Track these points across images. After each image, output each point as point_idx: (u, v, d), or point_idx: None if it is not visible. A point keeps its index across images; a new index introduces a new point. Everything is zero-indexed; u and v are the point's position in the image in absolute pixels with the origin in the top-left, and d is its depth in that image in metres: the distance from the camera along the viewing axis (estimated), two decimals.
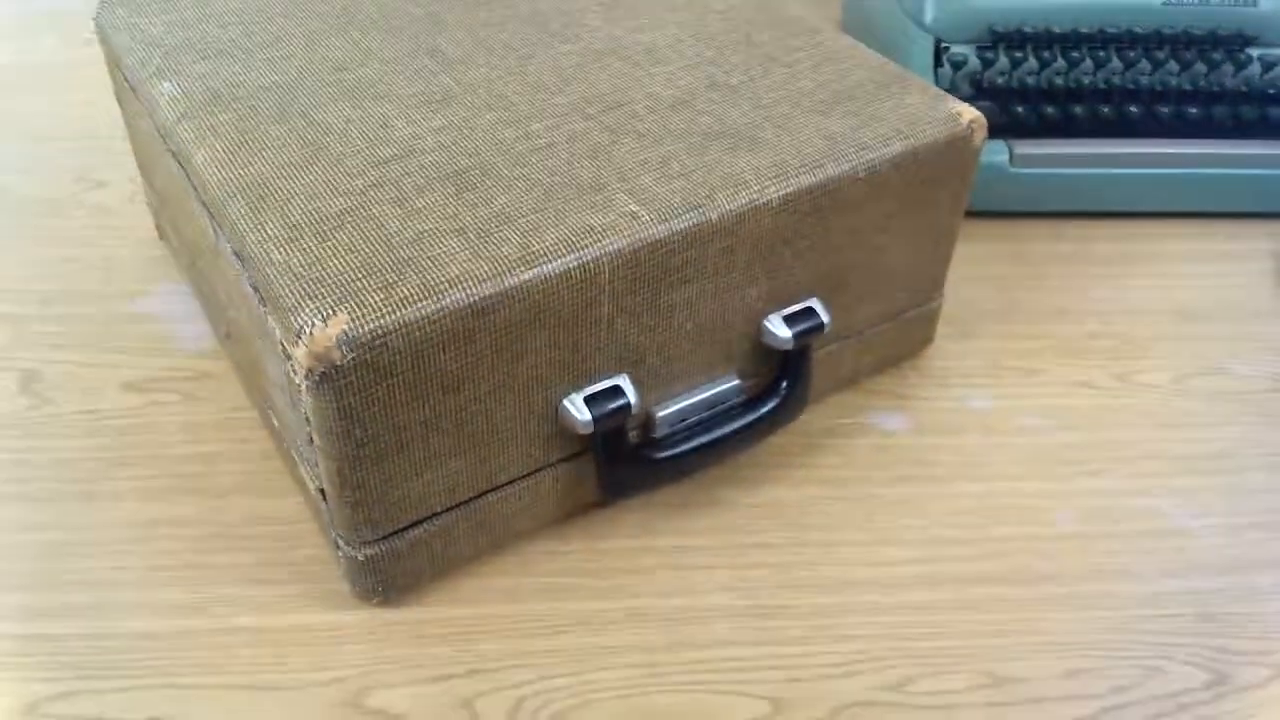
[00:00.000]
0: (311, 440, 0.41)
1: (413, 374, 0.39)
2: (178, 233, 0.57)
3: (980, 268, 0.67)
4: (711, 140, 0.47)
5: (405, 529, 0.44)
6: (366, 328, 0.38)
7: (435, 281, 0.39)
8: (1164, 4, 0.72)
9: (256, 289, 0.41)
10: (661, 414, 0.49)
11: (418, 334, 0.38)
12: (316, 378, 0.37)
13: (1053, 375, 0.60)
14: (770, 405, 0.51)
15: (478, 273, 0.40)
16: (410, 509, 0.43)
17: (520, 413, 0.44)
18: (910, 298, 0.56)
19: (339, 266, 0.40)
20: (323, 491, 0.43)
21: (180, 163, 0.47)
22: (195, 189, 0.46)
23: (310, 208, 0.42)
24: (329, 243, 0.41)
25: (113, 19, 0.55)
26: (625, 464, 0.48)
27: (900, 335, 0.58)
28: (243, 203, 0.43)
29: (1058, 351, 0.62)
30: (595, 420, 0.45)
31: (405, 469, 0.42)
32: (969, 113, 0.51)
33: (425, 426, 0.41)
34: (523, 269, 0.40)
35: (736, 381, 0.51)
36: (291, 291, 0.39)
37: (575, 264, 0.41)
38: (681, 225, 0.43)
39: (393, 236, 0.41)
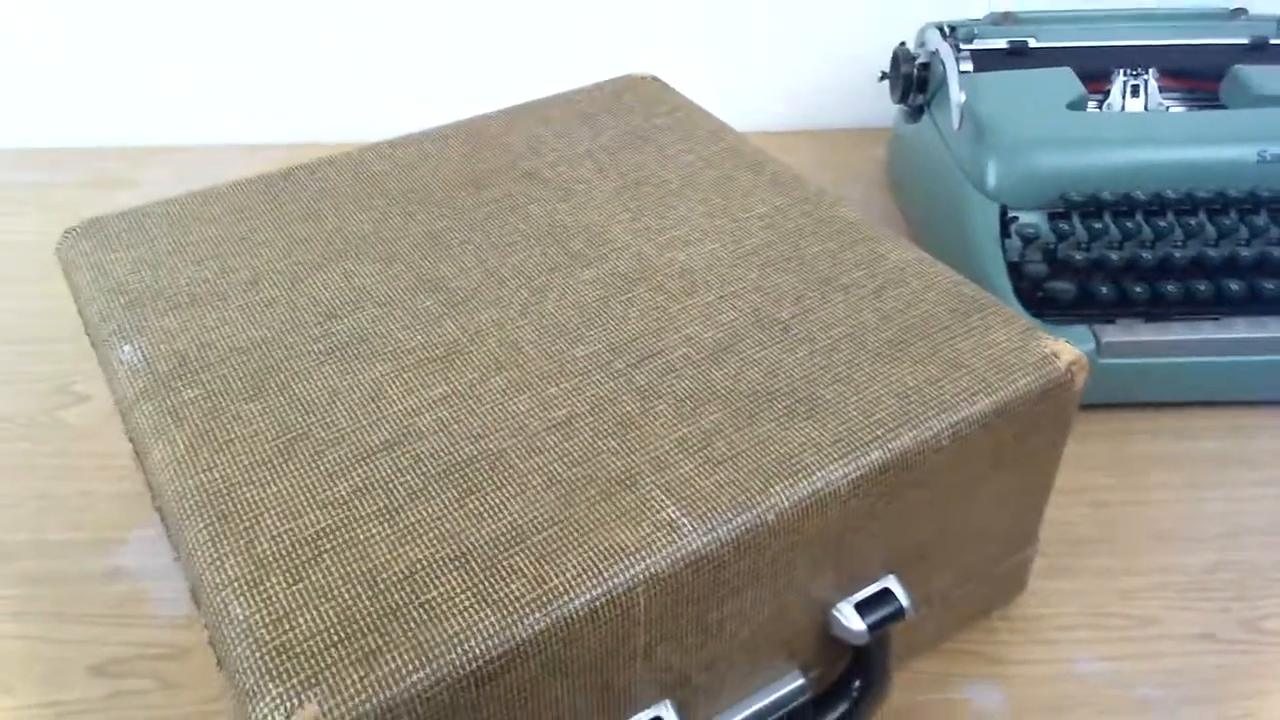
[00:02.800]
0: None
1: None
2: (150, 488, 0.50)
3: (1072, 477, 0.59)
4: (762, 404, 0.40)
5: None
6: (342, 712, 0.30)
7: (429, 641, 0.31)
8: (1260, 161, 0.64)
9: (214, 646, 0.33)
10: None
11: (405, 710, 0.31)
12: None
13: (1168, 626, 0.51)
14: (842, 709, 0.42)
15: (483, 627, 0.32)
16: None
17: None
18: (1001, 552, 0.47)
19: (310, 626, 0.32)
20: None
21: (139, 455, 0.40)
22: (152, 491, 0.38)
23: (281, 530, 0.35)
24: (301, 585, 0.33)
25: (74, 254, 0.48)
26: None
27: (989, 590, 0.49)
28: (201, 526, 0.35)
29: (1171, 590, 0.53)
30: None
31: None
32: (1067, 352, 0.42)
33: None
34: (538, 612, 0.32)
35: (801, 681, 0.42)
36: (252, 668, 0.31)
37: (603, 598, 0.33)
38: (731, 533, 0.35)
39: (379, 571, 0.33)
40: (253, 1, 0.85)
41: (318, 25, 0.87)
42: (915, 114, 0.77)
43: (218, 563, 0.34)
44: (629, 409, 0.39)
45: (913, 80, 0.75)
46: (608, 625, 0.34)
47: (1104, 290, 0.61)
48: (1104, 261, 0.62)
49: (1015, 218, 0.65)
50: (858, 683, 0.42)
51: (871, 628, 0.41)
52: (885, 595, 0.42)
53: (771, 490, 0.37)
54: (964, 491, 0.42)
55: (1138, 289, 0.61)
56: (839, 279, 0.46)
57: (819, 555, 0.39)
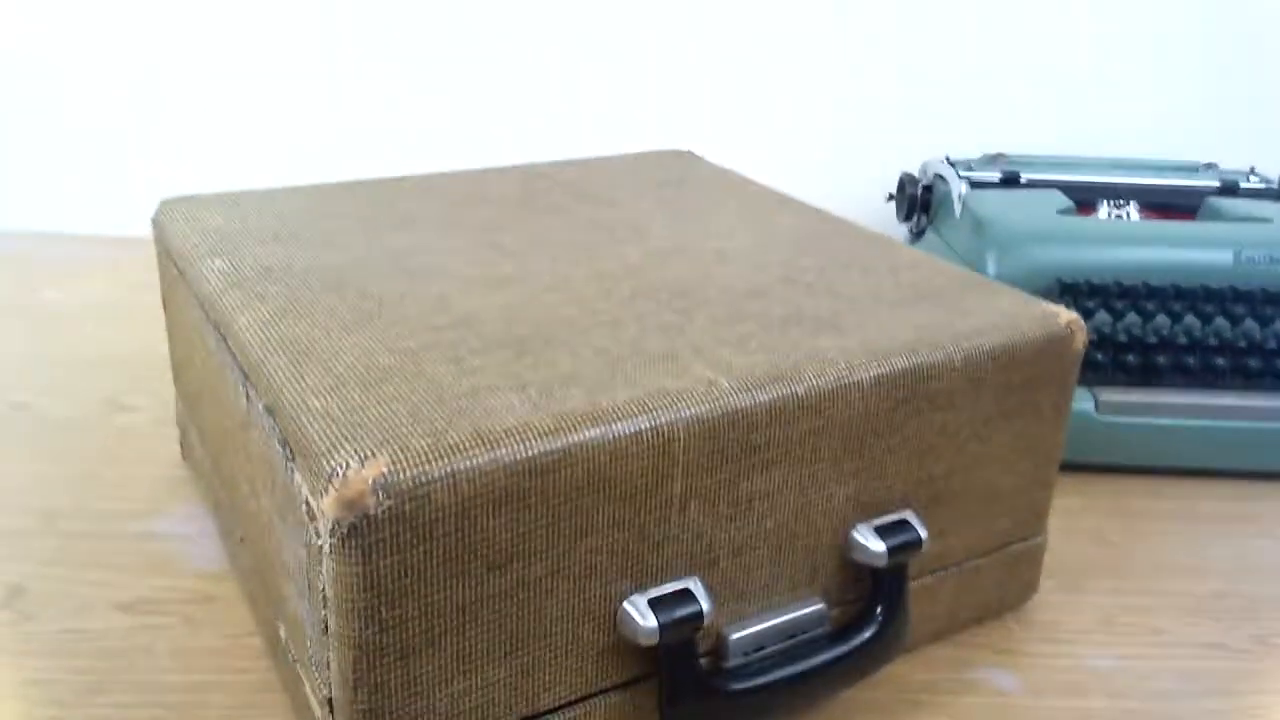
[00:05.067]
0: (326, 629, 0.34)
1: (456, 539, 0.33)
2: (204, 433, 0.52)
3: (1078, 520, 0.61)
4: (791, 324, 0.44)
5: None
6: (409, 473, 0.32)
7: (490, 431, 0.34)
8: (1236, 262, 0.70)
9: (286, 443, 0.36)
10: (735, 637, 0.41)
11: (467, 488, 0.33)
12: (344, 531, 0.31)
13: (1180, 635, 0.52)
14: (864, 636, 0.43)
15: (539, 426, 0.34)
16: None
17: (574, 610, 0.37)
18: (1012, 527, 0.49)
19: (383, 413, 0.35)
20: (331, 703, 0.36)
21: (220, 332, 0.43)
22: (233, 355, 0.42)
23: (357, 363, 0.38)
24: (374, 392, 0.36)
25: (171, 214, 0.54)
26: (694, 694, 0.39)
27: (1002, 575, 0.50)
28: (284, 358, 0.38)
29: (1180, 610, 0.54)
30: (662, 629, 0.37)
31: (434, 671, 0.34)
32: (1066, 314, 0.47)
33: (464, 614, 0.34)
34: (589, 426, 0.35)
35: (821, 606, 0.43)
36: (326, 436, 0.33)
37: (648, 426, 0.36)
38: (765, 397, 0.38)
39: (445, 390, 0.36)
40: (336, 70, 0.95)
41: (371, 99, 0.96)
42: (918, 235, 0.85)
43: (298, 378, 0.37)
44: (670, 319, 0.43)
45: (917, 201, 0.83)
46: (650, 455, 0.36)
47: (1099, 357, 0.66)
48: (1100, 331, 0.67)
49: None
50: (879, 610, 0.43)
51: (891, 551, 0.43)
52: (903, 525, 0.44)
53: (803, 370, 0.40)
54: (975, 433, 0.45)
55: (1130, 358, 0.66)
56: (858, 263, 0.51)
57: (842, 451, 0.41)
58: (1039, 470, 0.49)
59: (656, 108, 1.00)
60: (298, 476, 0.34)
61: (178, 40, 0.95)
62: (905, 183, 0.84)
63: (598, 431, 0.35)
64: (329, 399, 0.35)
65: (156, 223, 0.54)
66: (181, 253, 0.49)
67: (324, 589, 0.33)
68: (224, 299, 0.44)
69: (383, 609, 0.32)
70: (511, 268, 0.48)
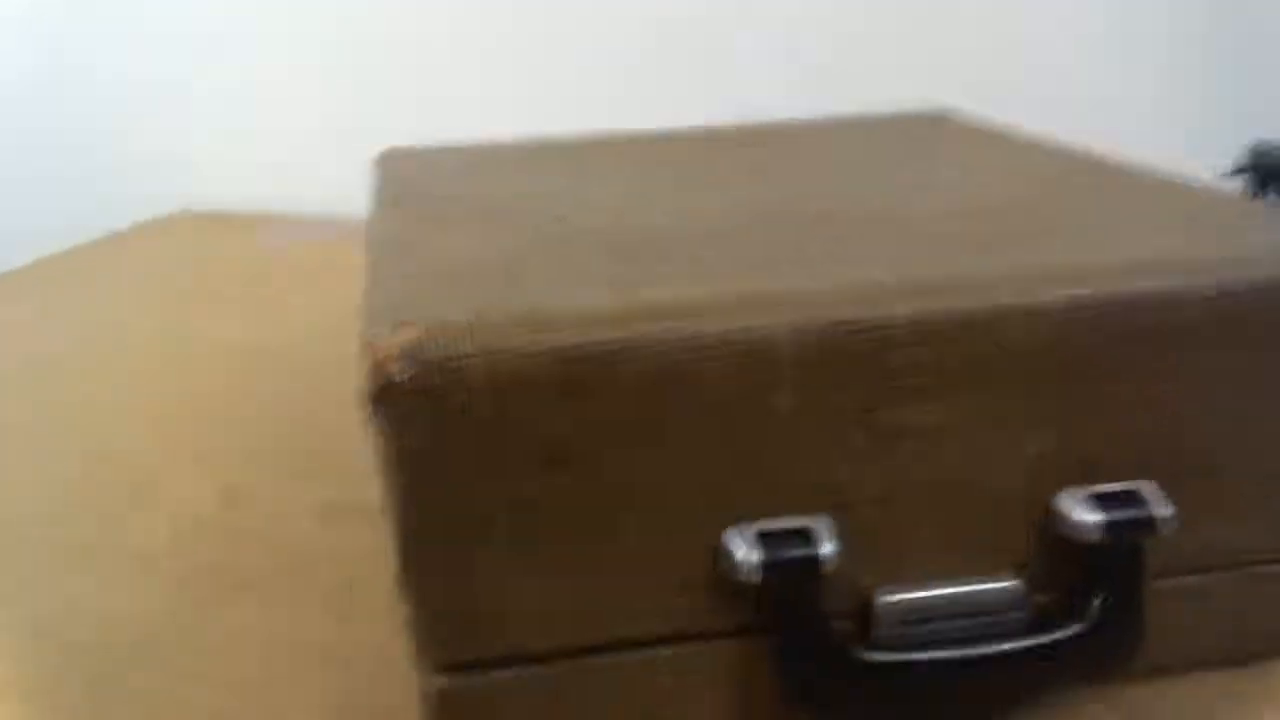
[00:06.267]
0: (384, 509, 0.33)
1: (501, 425, 0.30)
2: None
3: None
4: (985, 243, 0.36)
5: (492, 665, 0.33)
6: (441, 345, 0.30)
7: (545, 314, 0.31)
8: None
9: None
10: (886, 600, 0.34)
11: (507, 369, 0.30)
12: (372, 398, 0.30)
13: None
14: (1072, 630, 0.34)
15: (600, 313, 0.31)
16: (498, 634, 0.32)
17: (659, 530, 0.32)
18: None
19: (446, 294, 0.33)
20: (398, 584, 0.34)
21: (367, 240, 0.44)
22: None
23: (456, 257, 0.37)
24: (454, 280, 0.34)
25: (387, 160, 0.56)
26: (821, 659, 0.33)
27: None
28: (393, 251, 0.38)
29: None
30: (766, 566, 0.32)
31: (489, 566, 0.32)
32: None
33: (518, 510, 0.31)
34: (661, 318, 0.31)
35: (1016, 583, 0.34)
36: (381, 308, 0.32)
37: (739, 325, 0.31)
38: (906, 308, 0.31)
39: (526, 282, 0.34)
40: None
41: None
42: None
43: (395, 263, 0.36)
44: (843, 231, 0.37)
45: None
46: (743, 359, 0.31)
47: None
48: None
49: None
50: (1098, 600, 0.33)
51: (1110, 525, 0.33)
52: (1133, 497, 0.34)
53: (966, 282, 0.32)
54: (1243, 388, 0.34)
55: None
56: (1123, 202, 0.41)
57: (1033, 393, 0.32)
58: None
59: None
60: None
61: None
62: (1259, 153, 0.68)
63: (670, 325, 0.31)
64: (407, 282, 0.34)
65: (376, 164, 0.57)
66: (378, 189, 0.51)
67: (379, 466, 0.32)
68: (379, 212, 0.45)
69: (419, 487, 0.31)
70: (686, 201, 0.44)
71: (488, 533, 0.31)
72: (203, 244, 1.04)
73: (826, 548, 0.32)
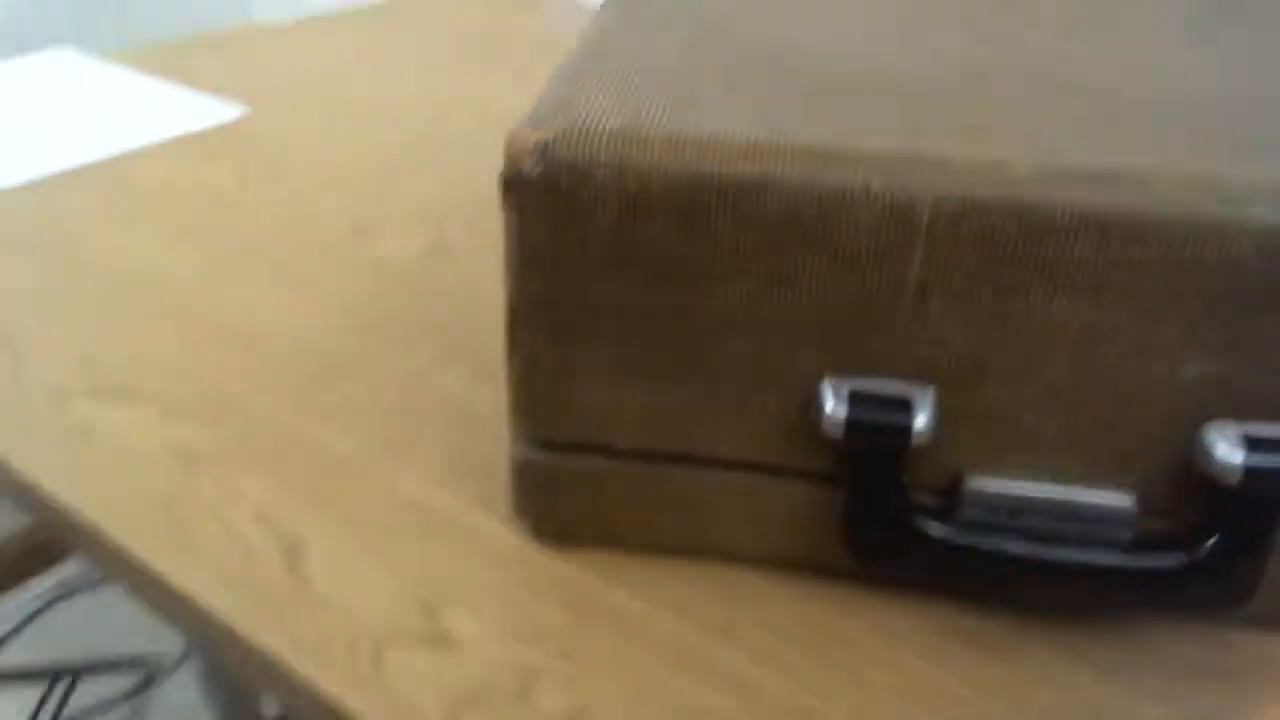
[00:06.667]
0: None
1: (622, 235, 0.30)
2: None
3: None
4: (1203, 140, 0.30)
5: (576, 448, 0.35)
6: (573, 146, 0.30)
7: (685, 135, 0.30)
8: None
9: None
10: (979, 485, 0.33)
11: (637, 183, 0.30)
12: (504, 185, 0.31)
13: None
14: (1178, 558, 0.31)
15: (742, 145, 0.29)
16: (585, 422, 0.34)
17: (757, 360, 0.32)
18: None
19: (606, 103, 0.32)
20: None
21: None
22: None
23: (646, 69, 0.35)
24: (628, 89, 0.33)
25: None
26: (887, 521, 0.33)
27: None
28: (588, 60, 0.37)
29: None
30: (850, 425, 0.31)
31: (587, 362, 0.33)
32: None
33: (620, 315, 0.32)
34: (803, 163, 0.29)
35: (1129, 503, 0.32)
36: (538, 106, 0.32)
37: (881, 185, 0.29)
38: (1076, 196, 0.28)
39: (698, 101, 0.32)
40: None
41: None
42: None
43: (579, 74, 0.36)
44: (1039, 106, 0.33)
45: None
46: (879, 218, 0.29)
47: None
48: None
49: None
50: (1216, 536, 0.31)
51: (1251, 470, 0.30)
52: None
53: (1156, 180, 0.28)
54: None
55: None
56: None
57: (1206, 316, 0.29)
58: None
59: None
60: None
61: None
62: None
63: (806, 171, 0.29)
64: (581, 83, 0.34)
65: None
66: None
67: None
68: (602, 10, 0.43)
69: (533, 278, 0.32)
70: (910, 43, 0.40)
71: (592, 333, 0.32)
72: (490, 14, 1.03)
73: (920, 420, 0.31)
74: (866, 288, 0.30)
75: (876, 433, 0.31)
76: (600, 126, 0.30)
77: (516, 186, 0.30)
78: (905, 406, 0.31)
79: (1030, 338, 0.30)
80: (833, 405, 0.31)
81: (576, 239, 0.31)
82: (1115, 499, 0.32)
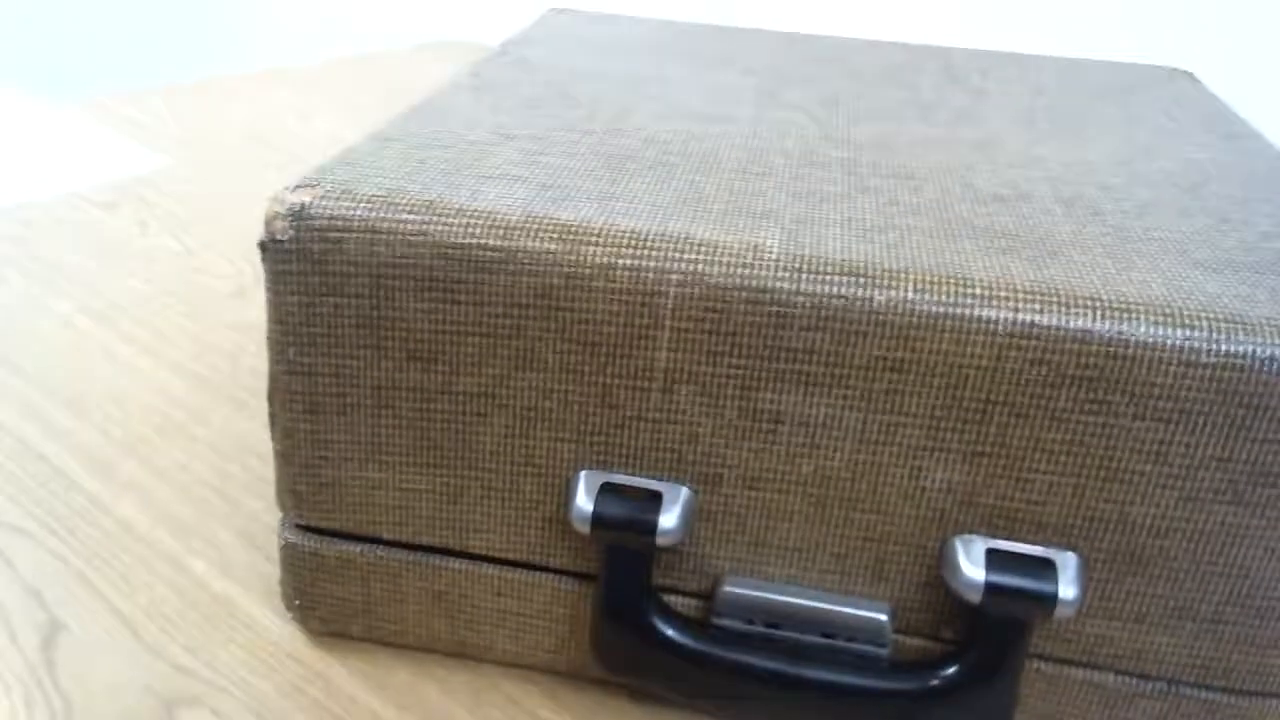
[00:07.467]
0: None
1: (373, 306, 0.30)
2: None
3: None
4: (990, 238, 0.31)
5: (339, 535, 0.34)
6: (329, 211, 0.30)
7: (446, 208, 0.30)
8: None
9: None
10: (736, 591, 0.32)
11: (385, 249, 0.29)
12: (260, 249, 0.30)
13: None
14: (925, 681, 0.30)
15: (487, 216, 0.29)
16: (348, 506, 0.33)
17: (513, 453, 0.31)
18: (1250, 633, 0.30)
19: (385, 166, 0.32)
20: None
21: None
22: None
23: (456, 132, 0.36)
24: (420, 153, 0.34)
25: (544, 20, 0.55)
26: (633, 622, 0.31)
27: None
28: (414, 115, 0.38)
29: None
30: (595, 520, 0.30)
31: (345, 441, 0.32)
32: None
33: (377, 393, 0.31)
34: (545, 238, 0.29)
35: (885, 619, 0.31)
36: (331, 158, 0.32)
37: (626, 264, 0.29)
38: (815, 288, 0.28)
39: (483, 168, 0.32)
40: None
41: None
42: None
43: (398, 125, 0.36)
44: (857, 194, 0.34)
45: None
46: (621, 301, 0.29)
47: None
48: None
49: None
50: (959, 665, 0.30)
51: (992, 588, 0.29)
52: (1040, 565, 0.29)
53: (897, 275, 0.28)
54: (1227, 479, 0.28)
55: None
56: (1248, 215, 0.34)
57: (948, 418, 0.28)
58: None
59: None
60: None
61: None
62: None
63: (553, 247, 0.29)
64: (377, 145, 0.34)
65: (539, 23, 0.56)
66: (506, 43, 0.51)
67: None
68: (465, 71, 0.44)
69: (290, 348, 0.31)
70: (755, 112, 0.41)
71: (350, 410, 0.32)
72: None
73: (668, 519, 0.30)
74: (617, 374, 0.30)
75: (623, 529, 0.30)
76: (362, 191, 0.30)
77: (270, 251, 0.30)
78: (656, 503, 0.30)
79: (776, 436, 0.30)
80: (582, 498, 0.31)
81: (331, 309, 0.30)
82: (871, 612, 0.31)
